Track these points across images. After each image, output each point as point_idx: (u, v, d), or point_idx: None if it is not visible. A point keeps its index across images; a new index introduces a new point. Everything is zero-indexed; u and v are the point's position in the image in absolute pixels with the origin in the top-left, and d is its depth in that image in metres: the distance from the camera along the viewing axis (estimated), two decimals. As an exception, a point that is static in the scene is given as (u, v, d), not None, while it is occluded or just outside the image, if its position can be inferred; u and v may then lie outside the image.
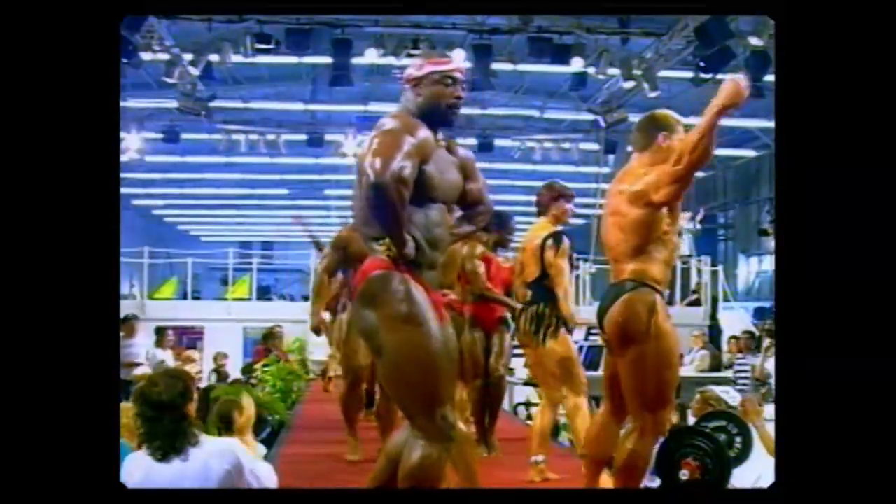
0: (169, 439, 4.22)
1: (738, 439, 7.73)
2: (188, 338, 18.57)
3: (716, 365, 15.34)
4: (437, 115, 4.09)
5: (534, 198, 6.85)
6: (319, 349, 13.79)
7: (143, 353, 12.89)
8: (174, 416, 4.24)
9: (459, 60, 4.40)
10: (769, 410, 9.32)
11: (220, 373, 13.33)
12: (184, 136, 22.53)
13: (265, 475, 4.47)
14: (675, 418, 9.18)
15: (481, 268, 7.36)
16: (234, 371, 14.37)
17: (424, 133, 3.95)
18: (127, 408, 5.56)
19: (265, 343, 15.44)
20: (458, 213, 4.44)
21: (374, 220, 3.87)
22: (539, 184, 6.99)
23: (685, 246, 19.00)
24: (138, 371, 10.94)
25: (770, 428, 7.78)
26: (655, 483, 7.00)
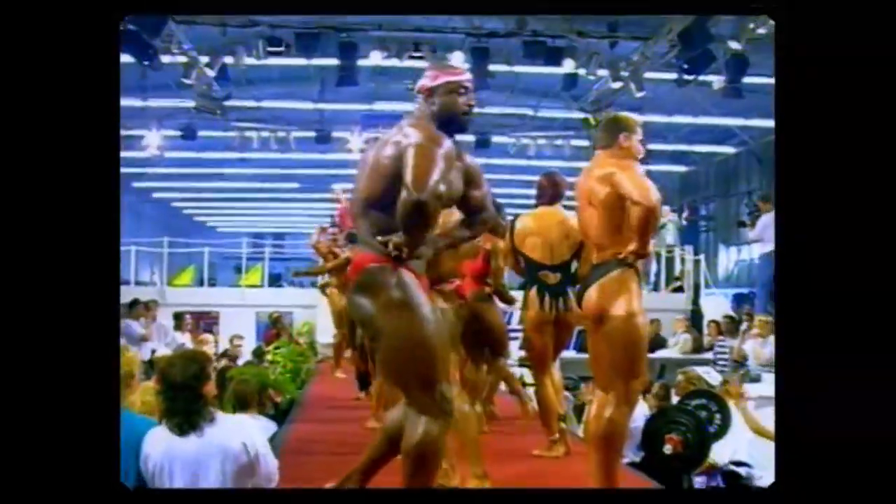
0: (185, 416, 4.26)
1: (717, 416, 7.79)
2: (205, 322, 18.56)
3: (697, 347, 15.36)
4: (453, 123, 4.07)
5: (528, 191, 6.86)
6: (327, 332, 13.77)
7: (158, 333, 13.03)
8: (189, 396, 4.28)
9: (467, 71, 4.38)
10: (747, 390, 9.39)
11: (229, 354, 13.35)
12: (200, 133, 22.53)
13: (270, 467, 4.46)
14: (659, 397, 9.23)
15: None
16: (248, 353, 14.35)
17: (448, 144, 3.93)
18: (149, 386, 5.61)
19: (275, 327, 15.48)
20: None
21: (405, 227, 3.80)
22: (533, 178, 6.98)
23: (670, 236, 19.02)
24: (160, 352, 10.99)
25: (751, 408, 7.83)
26: (639, 457, 7.05)
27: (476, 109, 4.23)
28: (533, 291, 6.60)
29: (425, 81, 4.15)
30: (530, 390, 8.28)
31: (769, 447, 7.36)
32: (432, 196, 3.71)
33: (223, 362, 11.79)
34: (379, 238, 3.86)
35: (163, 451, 4.27)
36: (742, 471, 7.74)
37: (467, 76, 4.20)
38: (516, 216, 6.96)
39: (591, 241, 5.01)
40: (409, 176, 3.73)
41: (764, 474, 7.48)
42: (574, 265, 6.56)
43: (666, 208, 17.93)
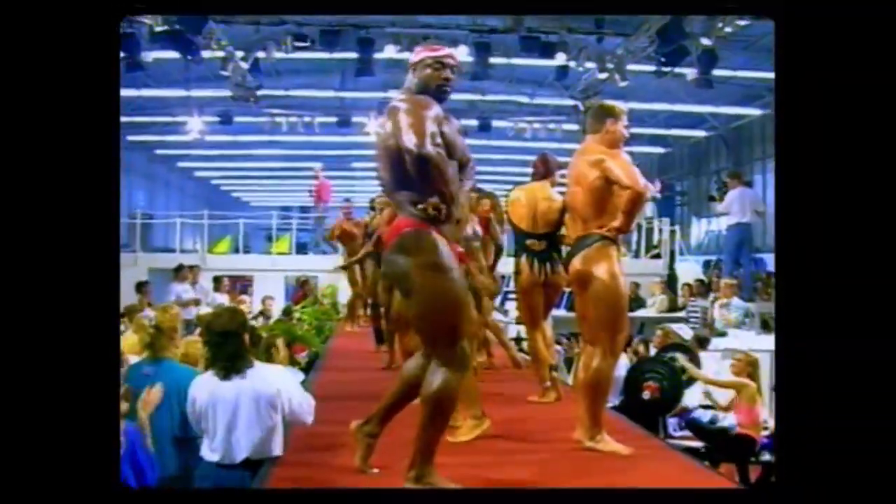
0: (230, 361, 4.30)
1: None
2: (240, 285, 18.58)
3: (672, 307, 15.38)
4: (429, 94, 4.00)
5: (524, 168, 6.90)
6: (347, 294, 13.81)
7: (199, 294, 13.09)
8: (235, 342, 4.32)
9: (454, 51, 4.31)
10: (715, 343, 9.43)
11: (264, 313, 13.41)
12: (236, 119, 22.66)
13: (306, 407, 4.52)
14: (638, 350, 9.29)
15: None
16: (278, 312, 14.39)
17: (433, 104, 3.90)
18: (193, 341, 5.64)
19: (303, 289, 15.52)
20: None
21: (425, 184, 3.78)
22: (529, 158, 7.03)
23: (648, 210, 19.02)
24: (203, 310, 11.05)
25: (700, 371, 7.88)
26: (619, 401, 7.10)
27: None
28: (523, 258, 6.64)
29: (412, 57, 4.14)
30: (525, 345, 8.34)
31: (729, 392, 7.50)
32: (430, 145, 3.70)
33: (259, 321, 11.87)
34: (418, 206, 3.82)
35: (207, 395, 4.33)
36: (708, 413, 7.83)
37: (445, 52, 4.11)
38: (513, 187, 6.99)
39: (578, 216, 5.03)
40: (404, 137, 3.72)
41: (727, 416, 7.56)
42: (562, 232, 6.57)
43: (650, 185, 17.96)
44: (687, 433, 7.79)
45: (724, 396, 7.77)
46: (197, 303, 12.66)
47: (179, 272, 13.53)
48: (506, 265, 7.71)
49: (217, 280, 15.22)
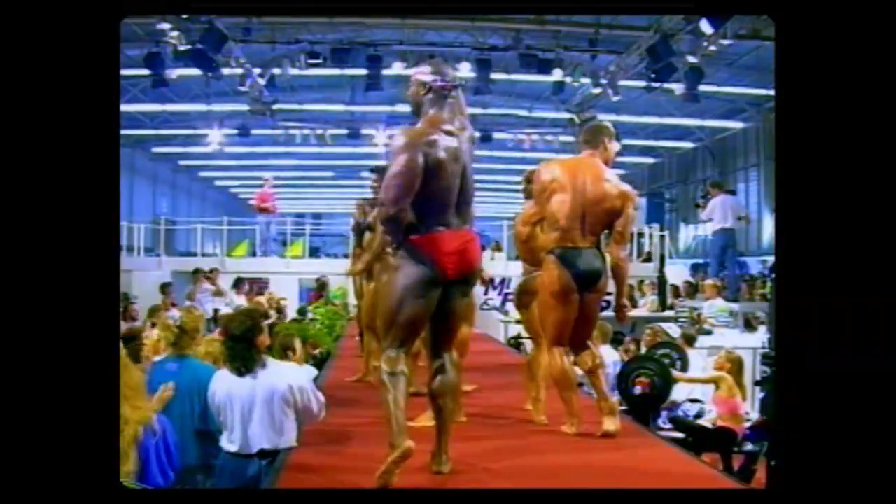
0: (242, 362, 4.33)
1: (678, 363, 7.84)
2: (257, 286, 18.58)
3: (662, 307, 15.36)
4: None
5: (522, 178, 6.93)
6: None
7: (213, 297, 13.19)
8: (245, 346, 4.35)
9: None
10: (701, 341, 9.40)
11: (280, 310, 13.42)
12: (253, 131, 22.76)
13: (316, 404, 4.52)
14: (632, 347, 9.27)
15: None
16: (292, 312, 14.38)
17: (425, 134, 3.81)
18: (211, 338, 5.65)
19: (321, 291, 15.49)
20: None
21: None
22: (527, 167, 7.03)
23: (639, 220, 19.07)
24: (223, 311, 11.04)
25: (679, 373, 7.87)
26: (615, 396, 7.08)
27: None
28: None
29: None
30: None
31: (710, 388, 7.54)
32: (395, 209, 3.70)
33: (273, 316, 11.84)
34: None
35: (226, 390, 4.35)
36: (696, 407, 7.82)
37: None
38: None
39: (591, 227, 5.02)
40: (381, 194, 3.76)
41: (713, 408, 7.55)
42: None
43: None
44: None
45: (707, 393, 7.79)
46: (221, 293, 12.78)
47: (210, 274, 13.83)
48: (507, 268, 7.73)
49: (236, 282, 15.25)
